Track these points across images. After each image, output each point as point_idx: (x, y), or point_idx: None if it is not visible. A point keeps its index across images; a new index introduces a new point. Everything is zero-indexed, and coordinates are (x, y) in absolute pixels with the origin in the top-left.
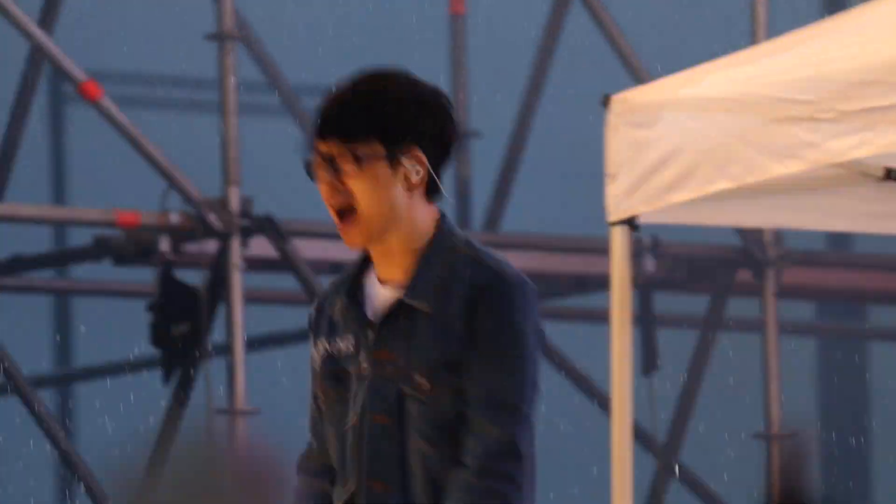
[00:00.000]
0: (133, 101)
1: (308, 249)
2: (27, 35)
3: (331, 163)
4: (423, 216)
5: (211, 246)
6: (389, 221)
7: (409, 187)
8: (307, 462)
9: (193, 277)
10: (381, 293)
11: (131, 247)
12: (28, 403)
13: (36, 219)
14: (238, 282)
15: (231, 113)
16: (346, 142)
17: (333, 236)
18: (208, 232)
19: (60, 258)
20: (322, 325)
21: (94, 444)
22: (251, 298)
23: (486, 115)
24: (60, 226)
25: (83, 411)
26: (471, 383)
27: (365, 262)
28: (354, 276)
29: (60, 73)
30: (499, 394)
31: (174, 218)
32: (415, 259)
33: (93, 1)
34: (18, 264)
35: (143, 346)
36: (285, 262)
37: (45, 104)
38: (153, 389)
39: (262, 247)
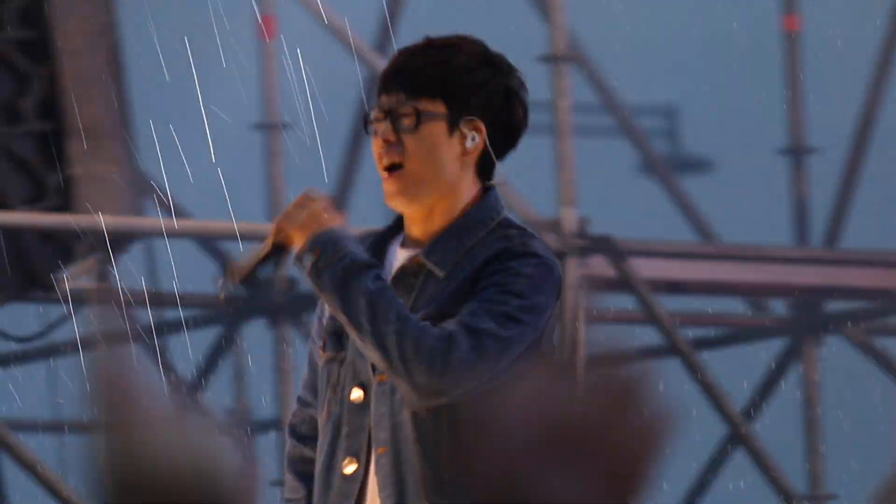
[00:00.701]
0: None
1: (646, 269)
2: (363, 61)
3: (391, 117)
4: (467, 190)
5: None
6: (433, 185)
7: (462, 155)
8: (296, 427)
9: None
10: (399, 256)
11: None
12: None
13: None
14: (576, 302)
15: (565, 134)
16: (410, 96)
17: (671, 255)
18: None
19: None
20: None
21: None
22: (589, 318)
23: (823, 130)
24: None
25: None
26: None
27: (389, 232)
28: (375, 244)
29: None
30: (492, 305)
31: None
32: (445, 226)
33: (427, 23)
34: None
35: None
36: (623, 282)
37: None
38: None
39: (600, 267)
